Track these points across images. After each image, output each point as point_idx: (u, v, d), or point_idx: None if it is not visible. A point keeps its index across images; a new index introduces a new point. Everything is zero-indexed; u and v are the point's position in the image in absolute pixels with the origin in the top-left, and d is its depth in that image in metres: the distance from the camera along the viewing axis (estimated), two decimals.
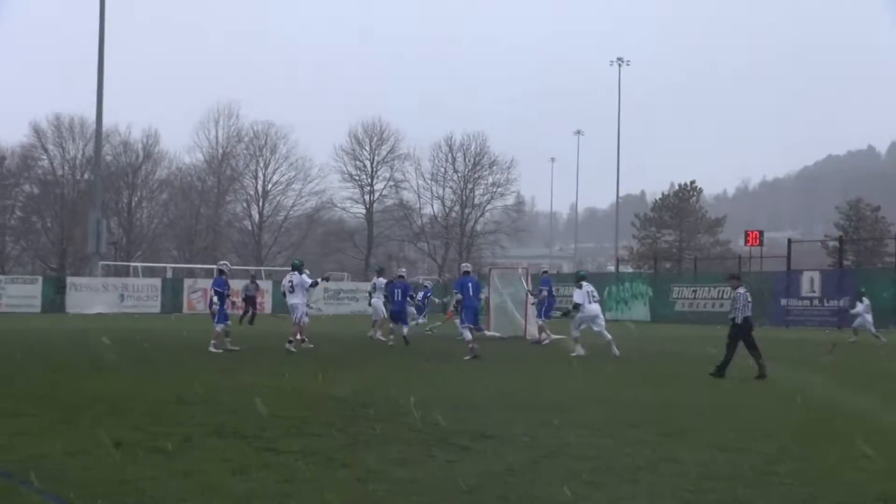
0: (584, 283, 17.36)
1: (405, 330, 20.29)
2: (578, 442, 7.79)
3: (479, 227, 64.72)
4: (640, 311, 41.81)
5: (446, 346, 19.13)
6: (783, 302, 38.65)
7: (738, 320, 13.46)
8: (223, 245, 63.85)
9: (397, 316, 20.28)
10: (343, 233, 64.90)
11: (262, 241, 65.21)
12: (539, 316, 21.68)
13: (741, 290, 13.70)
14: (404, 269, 23.42)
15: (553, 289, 21.95)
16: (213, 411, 9.07)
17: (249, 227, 65.53)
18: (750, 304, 13.72)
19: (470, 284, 17.34)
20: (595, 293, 16.79)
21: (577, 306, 17.21)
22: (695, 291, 42.01)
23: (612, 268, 75.94)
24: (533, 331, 22.53)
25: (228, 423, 8.30)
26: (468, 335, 16.70)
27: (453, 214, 64.30)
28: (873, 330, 25.11)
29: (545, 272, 23.63)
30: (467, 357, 15.93)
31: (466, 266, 18.48)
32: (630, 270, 58.70)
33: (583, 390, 11.73)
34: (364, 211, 64.41)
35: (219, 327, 17.24)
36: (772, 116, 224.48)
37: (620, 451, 7.45)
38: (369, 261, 60.33)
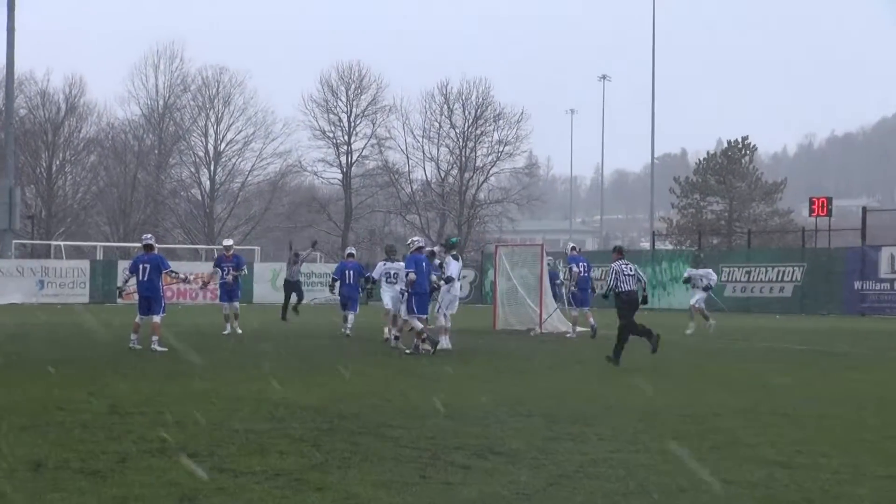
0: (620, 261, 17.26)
1: (351, 319, 21.85)
2: (605, 458, 7.87)
3: (482, 196, 63.98)
4: (681, 297, 41.14)
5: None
6: (857, 285, 39.17)
7: (606, 294, 15.66)
8: (166, 219, 63.58)
9: (346, 302, 21.68)
10: (314, 203, 63.97)
11: (215, 214, 64.71)
12: (577, 304, 22.60)
13: (619, 262, 15.80)
14: (353, 249, 24.58)
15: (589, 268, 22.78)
16: (156, 424, 9.16)
17: (199, 197, 64.92)
18: (632, 278, 15.72)
19: (424, 264, 17.80)
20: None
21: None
22: (748, 273, 42.51)
23: (646, 244, 76.91)
24: (556, 322, 23.50)
25: (174, 439, 8.37)
26: (418, 325, 17.29)
27: (450, 180, 63.46)
28: None
29: (574, 248, 24.02)
30: (408, 351, 17.00)
31: (418, 241, 18.60)
32: (669, 247, 59.71)
33: (611, 396, 11.92)
34: (340, 176, 63.70)
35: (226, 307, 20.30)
36: (843, 58, 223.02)
37: (657, 469, 7.50)
38: (347, 237, 59.86)
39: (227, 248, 23.29)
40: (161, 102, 65.15)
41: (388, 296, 19.64)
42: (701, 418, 10.07)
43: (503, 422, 9.66)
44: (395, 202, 63.78)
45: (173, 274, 18.69)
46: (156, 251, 18.20)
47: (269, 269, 44.97)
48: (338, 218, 63.26)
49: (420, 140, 64.09)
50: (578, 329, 22.38)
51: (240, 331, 22.01)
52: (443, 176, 63.33)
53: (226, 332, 22.05)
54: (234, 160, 65.45)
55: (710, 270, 27.23)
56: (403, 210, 63.64)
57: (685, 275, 27.13)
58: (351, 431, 8.92)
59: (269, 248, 65.61)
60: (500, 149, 62.73)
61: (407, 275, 17.53)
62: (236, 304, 22.75)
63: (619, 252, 16.43)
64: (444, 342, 18.19)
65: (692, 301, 25.80)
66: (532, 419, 9.86)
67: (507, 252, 26.62)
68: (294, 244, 29.05)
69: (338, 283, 22.28)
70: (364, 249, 60.60)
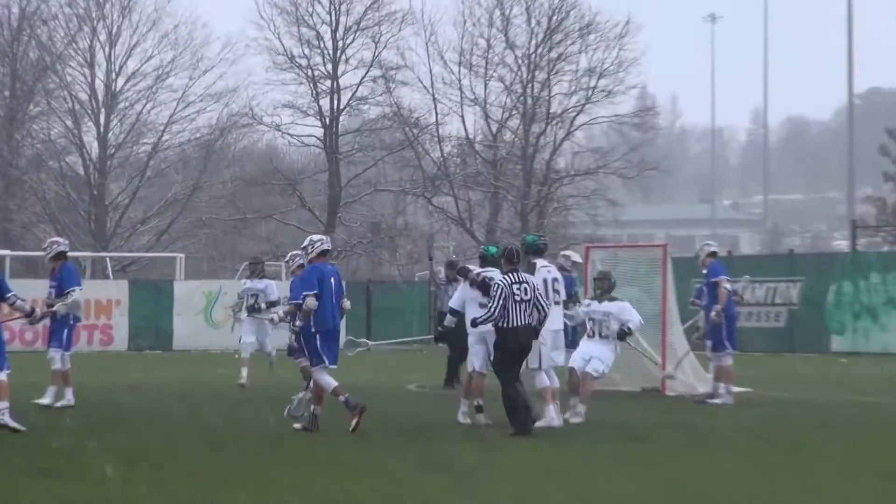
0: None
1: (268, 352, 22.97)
2: None
3: (561, 163, 57.18)
4: None
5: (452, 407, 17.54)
6: None
7: (476, 324, 15.29)
8: (27, 206, 55.59)
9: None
10: (277, 178, 55.84)
11: (108, 198, 56.23)
12: (718, 344, 20.56)
13: (509, 275, 15.12)
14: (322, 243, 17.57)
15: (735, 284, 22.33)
16: None
17: (80, 170, 56.75)
18: (527, 304, 15.00)
19: (332, 280, 16.07)
20: (527, 291, 15.35)
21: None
22: None
23: (842, 242, 75.99)
24: (689, 375, 21.93)
25: None
26: (328, 381, 15.44)
27: (507, 137, 56.26)
28: None
29: (713, 253, 21.72)
30: (298, 426, 15.34)
31: (321, 243, 16.29)
32: (885, 250, 52.58)
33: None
34: (320, 132, 55.95)
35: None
36: None
37: None
38: (332, 233, 51.70)
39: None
40: (15, 11, 56.15)
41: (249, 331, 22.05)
42: None
43: None
44: (415, 175, 56.62)
45: (16, 302, 16.09)
46: None
47: (199, 292, 41.53)
48: (317, 203, 56.76)
49: (456, 70, 56.48)
50: (724, 386, 20.27)
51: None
52: (495, 131, 56.52)
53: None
54: (139, 107, 57.58)
55: None
56: (428, 188, 56.07)
57: None
58: None
59: (201, 257, 60.43)
60: (592, 84, 55.35)
61: (304, 299, 15.67)
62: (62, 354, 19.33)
63: (509, 258, 15.06)
64: (552, 415, 15.87)
65: None
66: None
67: (604, 257, 24.95)
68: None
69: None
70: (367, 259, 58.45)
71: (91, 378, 25.14)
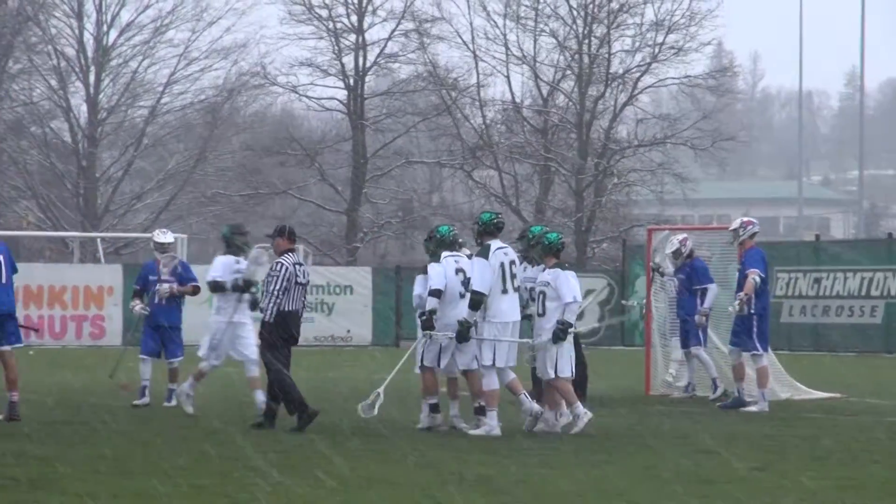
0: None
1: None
2: None
3: (622, 132, 56.06)
4: None
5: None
6: None
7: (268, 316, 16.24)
8: (6, 179, 55.23)
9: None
10: (293, 148, 54.75)
11: (99, 170, 55.40)
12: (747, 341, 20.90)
13: (288, 256, 16.49)
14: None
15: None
16: None
17: (67, 136, 56.13)
18: (301, 288, 16.39)
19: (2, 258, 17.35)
20: (304, 274, 17.14)
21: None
22: None
23: None
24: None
25: None
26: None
27: (560, 101, 55.60)
28: None
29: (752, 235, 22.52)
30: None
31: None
32: None
33: None
34: (344, 94, 54.98)
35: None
36: None
37: None
38: (356, 210, 53.32)
39: (163, 247, 21.02)
40: None
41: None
42: None
43: None
44: (453, 145, 55.82)
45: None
46: None
47: (204, 279, 40.68)
48: (340, 176, 56.31)
49: (501, 23, 55.41)
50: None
51: (190, 409, 18.32)
52: (545, 94, 56.01)
53: (140, 402, 19.48)
54: (134, 65, 56.61)
55: None
56: (468, 160, 55.17)
57: None
58: None
59: (207, 238, 59.20)
60: (659, 39, 54.61)
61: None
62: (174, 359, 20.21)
63: (285, 235, 16.42)
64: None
65: None
66: None
67: (661, 241, 25.08)
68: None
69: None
70: (398, 241, 59.36)
71: (76, 377, 25.01)
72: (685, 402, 21.46)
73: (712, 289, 21.60)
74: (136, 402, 18.73)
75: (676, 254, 22.51)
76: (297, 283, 15.89)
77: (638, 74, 54.28)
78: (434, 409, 16.51)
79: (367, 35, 53.31)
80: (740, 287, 20.67)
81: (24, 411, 17.10)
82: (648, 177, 55.02)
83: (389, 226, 55.15)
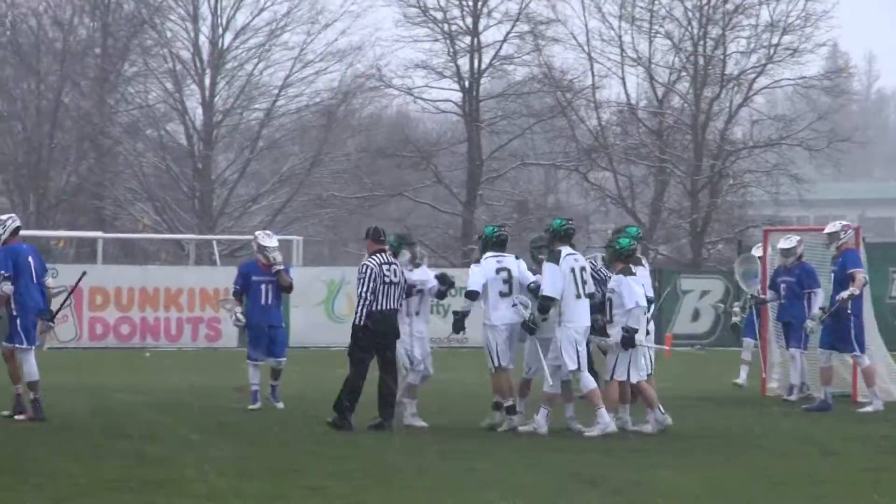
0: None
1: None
2: None
3: (738, 133, 56.40)
4: None
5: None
6: None
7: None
8: (122, 181, 55.17)
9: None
10: (408, 150, 55.04)
11: (214, 172, 55.93)
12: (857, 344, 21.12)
13: (379, 255, 16.76)
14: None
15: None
16: None
17: (182, 139, 56.31)
18: (395, 287, 16.56)
19: (31, 259, 17.40)
20: (396, 272, 17.12)
21: None
22: None
23: None
24: (887, 384, 21.75)
25: None
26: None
27: (675, 103, 55.76)
28: None
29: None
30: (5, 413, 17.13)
31: (11, 220, 18.08)
32: None
33: None
34: (459, 96, 55.30)
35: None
36: None
37: None
38: (472, 212, 53.65)
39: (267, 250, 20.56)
40: None
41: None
42: None
43: None
44: (568, 147, 55.91)
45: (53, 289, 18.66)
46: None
47: (319, 281, 40.81)
48: (455, 178, 56.74)
49: (616, 25, 55.60)
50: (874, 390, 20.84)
51: (280, 405, 19.17)
52: (661, 96, 56.14)
53: (253, 407, 19.16)
54: (249, 67, 56.68)
55: None
56: (584, 161, 55.24)
57: None
58: None
59: (322, 240, 60.95)
60: (774, 40, 54.66)
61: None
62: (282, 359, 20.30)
63: (370, 237, 16.85)
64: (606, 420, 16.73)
65: None
66: None
67: (775, 241, 25.27)
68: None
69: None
70: (515, 242, 53.39)
71: (196, 378, 25.53)
72: (804, 400, 21.13)
73: (820, 293, 21.29)
74: (250, 406, 18.63)
75: (789, 252, 22.22)
76: (384, 282, 15.82)
77: (753, 76, 54.22)
78: (510, 410, 16.42)
79: (482, 37, 53.46)
80: (839, 286, 20.37)
81: (139, 412, 17.39)
82: (764, 178, 54.82)
83: (505, 227, 53.18)
